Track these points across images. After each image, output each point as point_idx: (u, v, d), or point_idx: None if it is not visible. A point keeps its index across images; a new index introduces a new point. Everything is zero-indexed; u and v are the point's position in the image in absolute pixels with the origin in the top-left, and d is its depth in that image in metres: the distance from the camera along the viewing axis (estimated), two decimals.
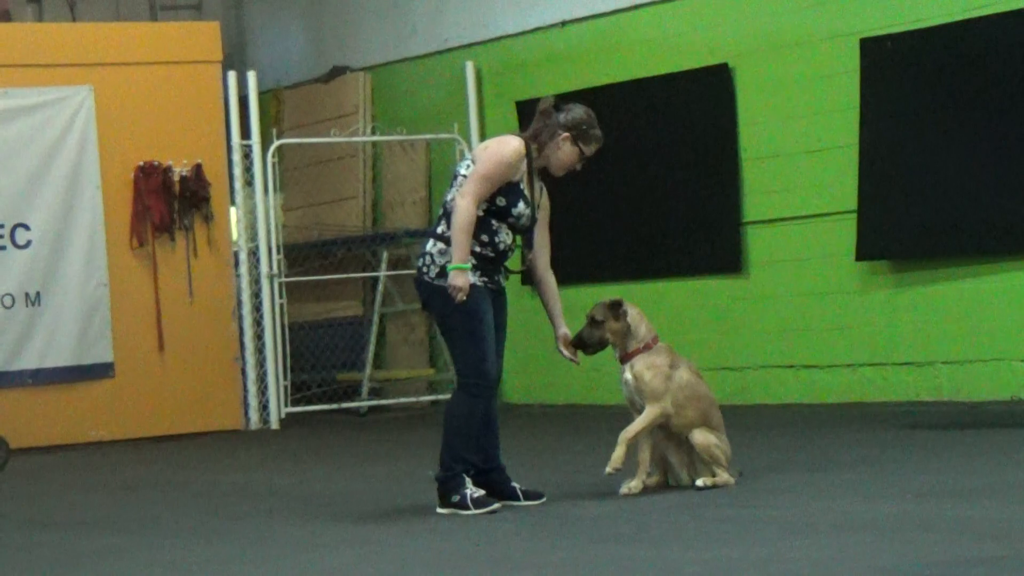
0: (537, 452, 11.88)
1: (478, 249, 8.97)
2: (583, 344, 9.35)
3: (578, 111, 9.15)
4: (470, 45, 16.97)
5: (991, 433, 11.52)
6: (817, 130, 14.15)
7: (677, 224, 15.28)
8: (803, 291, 14.37)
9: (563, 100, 9.48)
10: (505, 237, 9.09)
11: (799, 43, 14.26)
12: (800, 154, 14.32)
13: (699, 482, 9.22)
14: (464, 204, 8.88)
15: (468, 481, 8.99)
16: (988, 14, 12.91)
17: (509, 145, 9.01)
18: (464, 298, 8.82)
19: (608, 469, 9.08)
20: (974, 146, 13.01)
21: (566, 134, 9.07)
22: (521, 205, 9.04)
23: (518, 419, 14.41)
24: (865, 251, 13.76)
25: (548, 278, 9.34)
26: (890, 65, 13.56)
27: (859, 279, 13.95)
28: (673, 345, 9.56)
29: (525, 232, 9.21)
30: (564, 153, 9.11)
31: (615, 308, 9.30)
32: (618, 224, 15.64)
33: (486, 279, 9.04)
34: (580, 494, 9.35)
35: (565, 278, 9.30)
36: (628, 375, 9.25)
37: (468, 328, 8.99)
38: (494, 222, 9.00)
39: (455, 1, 17.35)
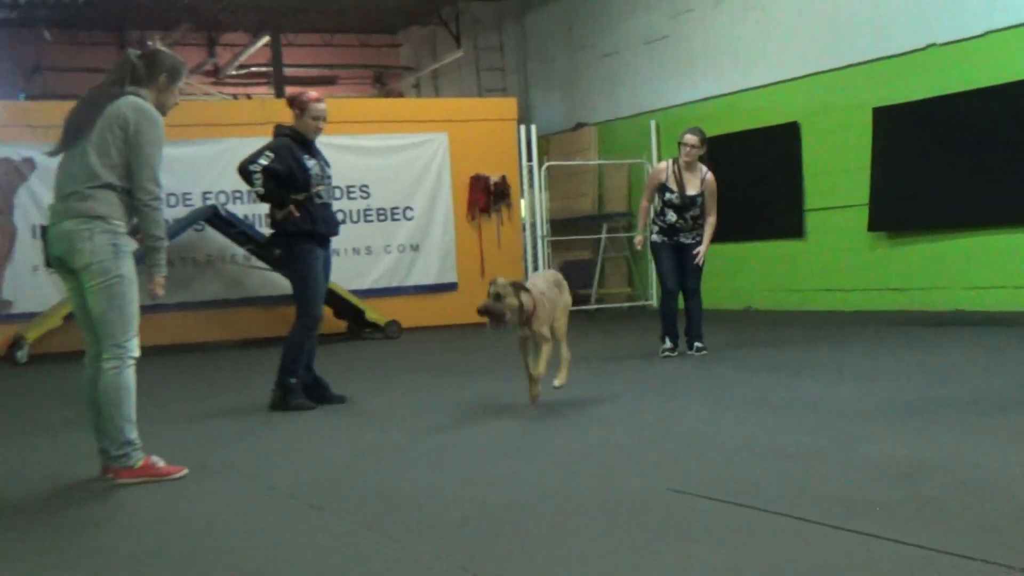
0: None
1: None
2: (488, 311, 6.57)
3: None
4: (653, 111, 16.90)
5: (948, 330, 10.63)
6: (847, 159, 13.99)
7: (767, 210, 15.08)
8: (838, 249, 14.19)
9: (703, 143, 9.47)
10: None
11: (838, 109, 14.08)
12: (837, 172, 14.13)
13: (556, 382, 6.88)
14: None
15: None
16: (955, 92, 12.54)
17: None
18: None
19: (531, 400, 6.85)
20: (943, 171, 12.69)
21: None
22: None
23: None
24: (874, 226, 13.59)
25: None
26: (892, 122, 13.32)
27: (870, 242, 13.77)
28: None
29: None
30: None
31: (517, 287, 6.73)
32: (731, 210, 15.36)
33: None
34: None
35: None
36: (528, 333, 6.85)
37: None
38: None
39: (647, 86, 17.18)
